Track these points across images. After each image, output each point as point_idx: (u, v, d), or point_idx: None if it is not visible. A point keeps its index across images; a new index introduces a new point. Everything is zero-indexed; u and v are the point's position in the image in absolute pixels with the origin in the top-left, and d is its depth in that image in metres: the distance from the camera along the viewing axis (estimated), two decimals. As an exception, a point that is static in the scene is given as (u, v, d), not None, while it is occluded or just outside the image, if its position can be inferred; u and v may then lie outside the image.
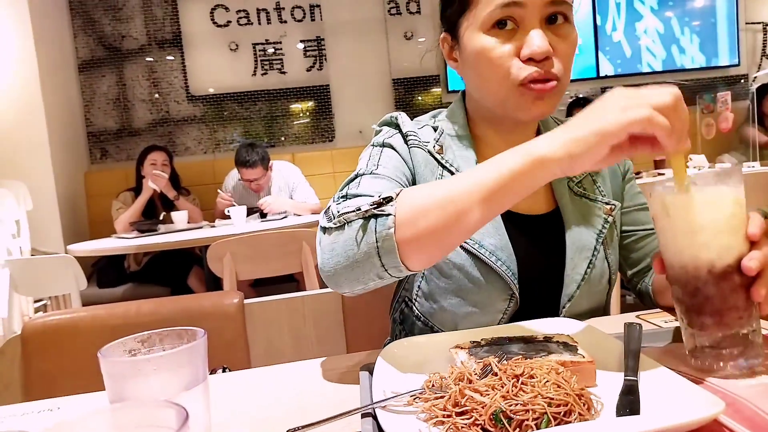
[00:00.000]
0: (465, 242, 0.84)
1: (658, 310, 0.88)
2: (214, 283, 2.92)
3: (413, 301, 0.91)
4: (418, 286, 0.90)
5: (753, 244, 0.58)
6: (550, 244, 0.89)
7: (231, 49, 4.35)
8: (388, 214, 0.66)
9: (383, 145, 0.91)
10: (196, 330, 0.50)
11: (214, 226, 3.24)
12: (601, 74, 4.76)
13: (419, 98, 4.59)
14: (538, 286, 0.87)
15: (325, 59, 4.45)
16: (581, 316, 0.86)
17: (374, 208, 0.68)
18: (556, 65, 0.79)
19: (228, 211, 3.16)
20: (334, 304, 1.30)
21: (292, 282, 3.33)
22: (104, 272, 3.47)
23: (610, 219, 0.90)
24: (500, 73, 0.80)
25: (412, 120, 0.96)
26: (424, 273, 0.89)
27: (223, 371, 0.95)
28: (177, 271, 3.36)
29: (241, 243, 2.47)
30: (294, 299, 1.32)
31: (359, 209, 0.69)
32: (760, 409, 0.52)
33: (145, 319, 1.21)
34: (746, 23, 4.96)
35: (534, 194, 0.91)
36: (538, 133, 0.96)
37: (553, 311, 0.87)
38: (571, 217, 0.89)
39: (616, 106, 0.58)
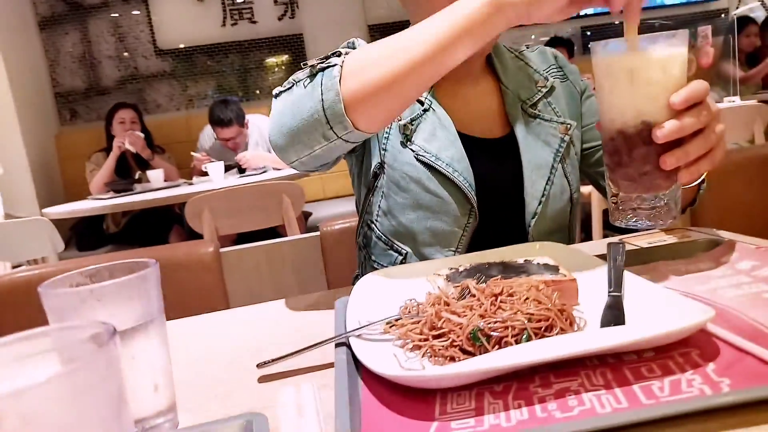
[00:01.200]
0: (422, 155, 0.83)
1: (640, 233, 0.86)
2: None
3: (374, 222, 0.90)
4: (378, 206, 0.89)
5: (682, 113, 0.58)
6: (507, 166, 0.88)
7: (198, 0, 4.16)
8: (334, 65, 0.63)
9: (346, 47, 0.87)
10: (147, 261, 0.46)
11: (191, 184, 3.17)
12: (581, 13, 4.66)
13: (396, 45, 4.47)
14: (499, 204, 0.87)
15: (297, 6, 4.28)
16: (547, 234, 0.86)
17: (321, 62, 0.65)
18: None
19: (205, 168, 3.08)
20: (313, 248, 1.27)
21: (275, 237, 3.30)
22: (83, 235, 3.40)
23: (567, 138, 0.89)
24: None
25: None
26: (382, 190, 0.87)
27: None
28: (157, 230, 3.30)
29: (219, 198, 2.42)
30: (272, 246, 1.29)
31: (307, 68, 0.66)
32: (747, 316, 0.50)
33: (118, 272, 1.17)
34: (727, -45, 4.86)
35: (489, 119, 0.89)
36: (488, 61, 0.95)
37: (517, 230, 0.87)
38: (527, 139, 0.88)
39: None
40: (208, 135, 3.51)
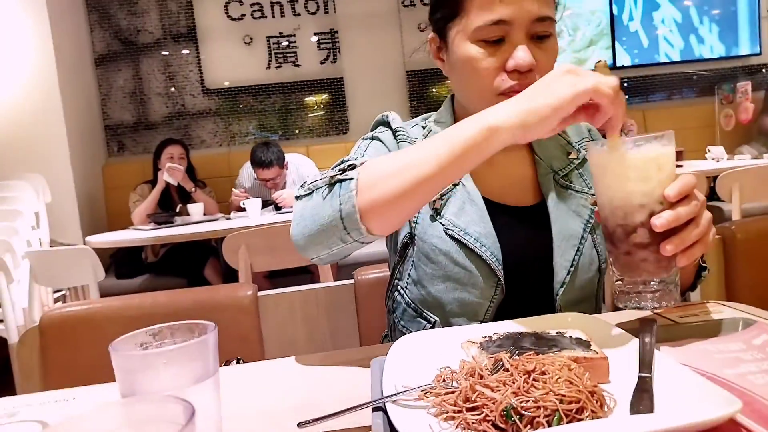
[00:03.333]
0: (451, 230, 0.88)
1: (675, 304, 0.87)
2: (229, 275, 2.94)
3: (404, 288, 0.94)
4: (408, 274, 0.93)
5: (675, 204, 0.64)
6: (537, 235, 0.91)
7: (245, 43, 4.35)
8: (351, 179, 0.71)
9: (372, 138, 0.96)
10: (206, 324, 0.50)
11: (229, 218, 3.26)
12: (618, 65, 4.69)
13: (433, 90, 4.57)
14: (527, 274, 0.89)
15: (339, 52, 4.44)
16: (574, 305, 0.88)
17: (339, 174, 0.73)
18: (537, 78, 0.81)
19: (243, 204, 3.17)
20: (347, 296, 1.31)
21: (306, 274, 3.35)
22: (122, 263, 3.51)
23: (596, 209, 0.91)
24: (484, 83, 0.85)
25: (404, 121, 1.00)
26: (412, 260, 0.92)
27: (237, 363, 0.96)
28: (193, 262, 3.39)
29: (255, 235, 2.48)
30: (307, 291, 1.33)
31: (326, 177, 0.74)
32: (777, 407, 0.51)
33: (160, 311, 1.22)
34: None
35: (521, 187, 0.94)
36: None
37: (544, 301, 0.89)
38: (557, 208, 0.91)
39: (565, 81, 0.64)
40: (247, 173, 3.62)
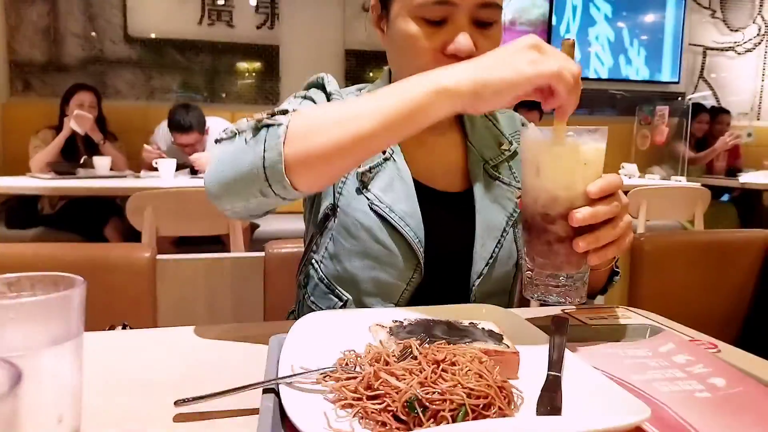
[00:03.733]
0: (377, 205, 0.83)
1: (585, 306, 0.87)
2: (132, 237, 2.75)
3: (319, 262, 0.88)
4: (326, 247, 0.88)
5: (596, 201, 0.63)
6: (460, 223, 0.89)
7: (178, -7, 4.09)
8: (280, 124, 0.64)
9: (305, 97, 0.88)
10: (74, 278, 0.42)
11: (139, 177, 3.06)
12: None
13: (371, 73, 4.50)
14: (446, 261, 0.87)
15: (278, 19, 4.27)
16: (489, 296, 0.87)
17: (268, 118, 0.65)
18: None
19: (156, 163, 2.98)
20: (255, 268, 1.23)
21: (217, 244, 3.20)
22: (14, 212, 3.21)
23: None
24: (421, 63, 0.78)
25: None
26: (331, 232, 0.87)
27: (123, 328, 0.88)
28: (94, 219, 3.16)
29: (165, 197, 2.34)
30: (213, 260, 1.24)
31: (253, 119, 0.67)
32: (679, 416, 0.50)
33: (43, 265, 1.08)
34: (689, 44, 5.16)
35: (450, 173, 0.91)
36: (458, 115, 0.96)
37: (461, 289, 0.87)
38: (484, 198, 0.89)
39: (528, 58, 0.60)
40: (164, 131, 3.40)
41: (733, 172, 4.22)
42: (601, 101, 5.05)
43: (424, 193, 0.87)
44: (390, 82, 0.94)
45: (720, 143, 4.15)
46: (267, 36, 4.28)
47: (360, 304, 0.84)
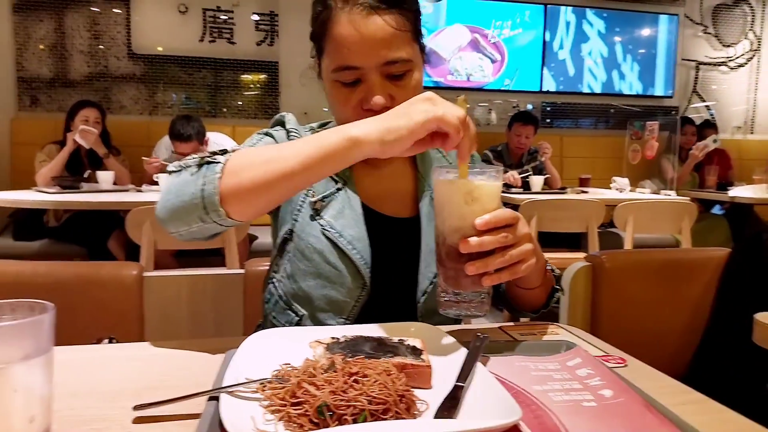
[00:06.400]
0: (328, 230, 0.93)
1: (522, 322, 0.96)
2: (134, 249, 2.85)
3: (279, 281, 0.99)
4: (284, 268, 0.98)
5: (485, 233, 0.73)
6: (406, 246, 0.98)
7: (180, 11, 4.22)
8: (218, 162, 0.76)
9: (266, 134, 1.00)
10: (46, 304, 0.52)
11: (140, 191, 3.17)
12: (544, 89, 4.93)
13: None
14: (393, 280, 0.96)
15: (277, 36, 4.40)
16: (435, 313, 0.93)
17: (209, 156, 0.77)
18: None
19: (157, 177, 3.10)
20: (235, 285, 1.33)
21: (217, 256, 3.30)
22: (21, 225, 3.34)
23: None
24: (344, 117, 0.90)
25: (305, 124, 1.06)
26: (289, 255, 0.96)
27: (110, 341, 0.97)
28: (97, 232, 3.27)
29: (162, 212, 2.44)
30: (195, 276, 1.34)
31: (197, 158, 0.78)
32: (560, 421, 0.59)
33: (39, 281, 1.20)
34: (682, 59, 5.24)
35: (400, 199, 1.01)
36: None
37: (408, 305, 0.96)
38: (429, 223, 0.98)
39: (421, 108, 0.72)
40: (165, 145, 3.53)
41: (724, 186, 4.29)
42: (595, 114, 5.15)
43: (373, 218, 0.97)
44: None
45: (691, 155, 4.24)
46: (267, 52, 4.41)
47: (314, 318, 0.94)
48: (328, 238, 0.93)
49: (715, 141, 4.30)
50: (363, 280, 0.93)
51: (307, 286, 0.94)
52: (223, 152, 0.78)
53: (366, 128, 0.72)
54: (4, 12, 3.97)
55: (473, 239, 0.72)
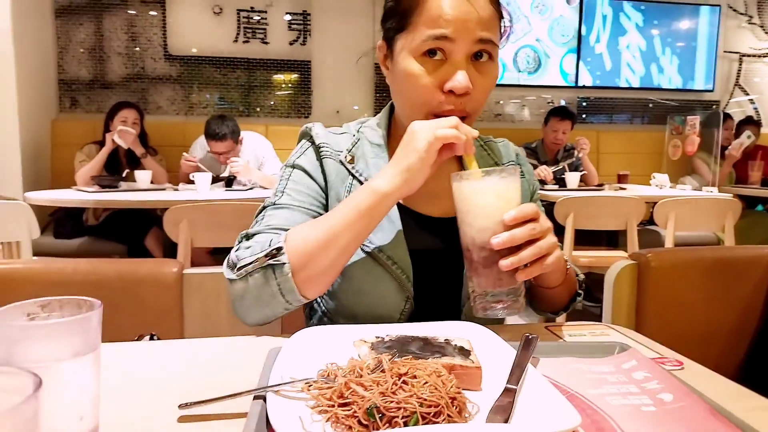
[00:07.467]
0: (366, 246, 0.91)
1: (571, 323, 0.92)
2: (171, 247, 2.90)
3: (320, 297, 0.98)
4: None
5: (513, 227, 0.74)
6: (451, 247, 0.94)
7: (215, 12, 4.27)
8: (283, 263, 0.80)
9: (293, 166, 0.98)
10: (93, 301, 0.51)
11: (177, 190, 3.21)
12: (580, 83, 4.82)
13: (400, 85, 4.58)
14: (436, 285, 0.94)
15: (310, 35, 4.42)
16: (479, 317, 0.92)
17: (269, 259, 0.81)
18: (472, 101, 0.87)
19: (193, 177, 3.14)
20: (273, 283, 1.32)
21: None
22: (61, 223, 3.42)
23: None
24: (420, 100, 0.88)
25: (340, 126, 1.04)
26: None
27: (151, 338, 0.97)
28: (135, 230, 3.33)
29: (199, 210, 2.47)
30: (234, 274, 1.34)
31: (256, 261, 0.82)
32: (620, 427, 0.56)
33: (81, 278, 1.21)
34: (724, 51, 5.07)
35: (446, 200, 0.98)
36: None
37: (452, 311, 0.93)
38: None
39: (419, 138, 0.78)
40: (200, 145, 3.57)
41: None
42: (633, 109, 5.02)
43: (416, 220, 0.95)
44: (392, 115, 1.02)
45: (728, 155, 4.10)
46: (299, 52, 4.43)
47: None
48: (366, 253, 0.91)
49: (749, 137, 4.15)
50: (406, 294, 0.92)
51: (349, 303, 0.93)
52: (279, 249, 0.81)
53: (388, 178, 0.79)
54: (48, 17, 4.07)
55: (503, 234, 0.73)
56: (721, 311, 1.45)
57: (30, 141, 3.75)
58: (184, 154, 3.43)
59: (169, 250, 3.19)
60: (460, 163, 1.01)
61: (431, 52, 0.86)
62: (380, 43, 0.97)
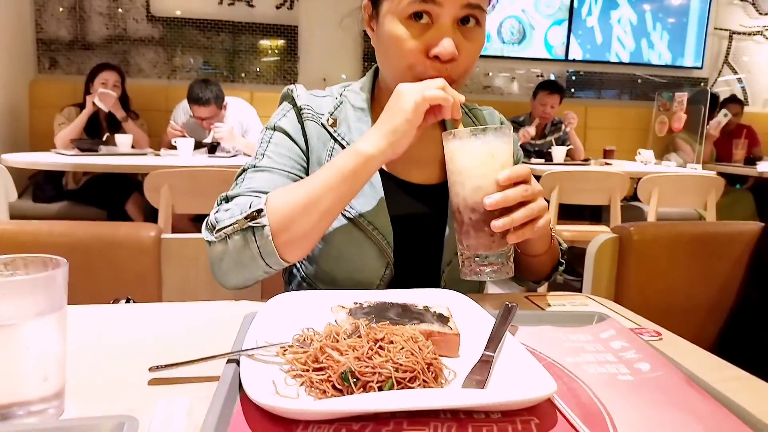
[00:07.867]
0: (347, 211, 0.90)
1: (550, 292, 0.92)
2: (152, 212, 2.86)
3: (300, 262, 0.96)
4: None
5: (507, 188, 0.73)
6: (432, 213, 0.95)
7: (199, -27, 4.15)
8: (264, 225, 0.78)
9: (274, 128, 0.96)
10: (59, 259, 0.49)
11: (158, 155, 3.16)
12: (570, 57, 4.79)
13: (388, 54, 4.51)
14: (416, 252, 0.93)
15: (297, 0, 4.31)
16: (458, 283, 0.91)
17: (249, 221, 0.79)
18: (458, 67, 0.85)
19: (175, 142, 3.08)
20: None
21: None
22: (40, 187, 3.35)
23: None
24: (404, 63, 0.85)
25: (326, 88, 1.01)
26: None
27: (127, 302, 0.96)
28: (116, 195, 3.28)
29: (181, 176, 2.43)
30: (214, 240, 1.32)
31: (236, 223, 0.80)
32: (595, 395, 0.56)
33: (56, 240, 1.19)
34: (715, 28, 5.05)
35: (427, 166, 0.97)
36: None
37: (432, 276, 0.93)
38: None
39: (406, 99, 0.77)
40: (183, 110, 3.50)
41: (752, 160, 4.16)
42: (622, 85, 5.01)
43: (398, 187, 0.93)
44: (376, 79, 0.99)
45: (707, 135, 4.12)
46: (286, 16, 4.33)
47: None
48: (347, 218, 0.90)
49: (726, 115, 4.17)
50: (386, 260, 0.91)
51: (329, 268, 0.92)
52: (259, 211, 0.79)
53: (372, 140, 0.78)
54: (23, -28, 3.93)
55: (496, 195, 0.72)
56: (700, 285, 1.46)
57: (6, 102, 3.65)
58: (172, 122, 3.36)
59: (150, 216, 3.15)
60: (444, 130, 1.00)
61: (417, 15, 0.83)
62: (365, 2, 0.93)
